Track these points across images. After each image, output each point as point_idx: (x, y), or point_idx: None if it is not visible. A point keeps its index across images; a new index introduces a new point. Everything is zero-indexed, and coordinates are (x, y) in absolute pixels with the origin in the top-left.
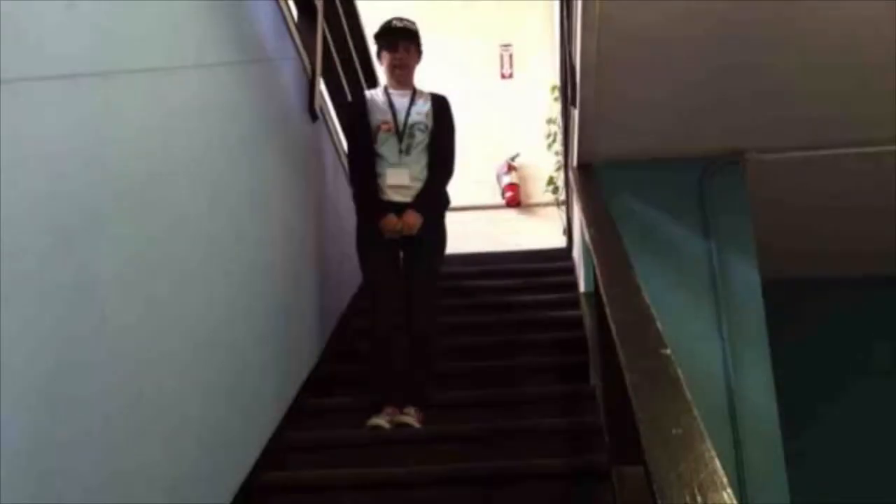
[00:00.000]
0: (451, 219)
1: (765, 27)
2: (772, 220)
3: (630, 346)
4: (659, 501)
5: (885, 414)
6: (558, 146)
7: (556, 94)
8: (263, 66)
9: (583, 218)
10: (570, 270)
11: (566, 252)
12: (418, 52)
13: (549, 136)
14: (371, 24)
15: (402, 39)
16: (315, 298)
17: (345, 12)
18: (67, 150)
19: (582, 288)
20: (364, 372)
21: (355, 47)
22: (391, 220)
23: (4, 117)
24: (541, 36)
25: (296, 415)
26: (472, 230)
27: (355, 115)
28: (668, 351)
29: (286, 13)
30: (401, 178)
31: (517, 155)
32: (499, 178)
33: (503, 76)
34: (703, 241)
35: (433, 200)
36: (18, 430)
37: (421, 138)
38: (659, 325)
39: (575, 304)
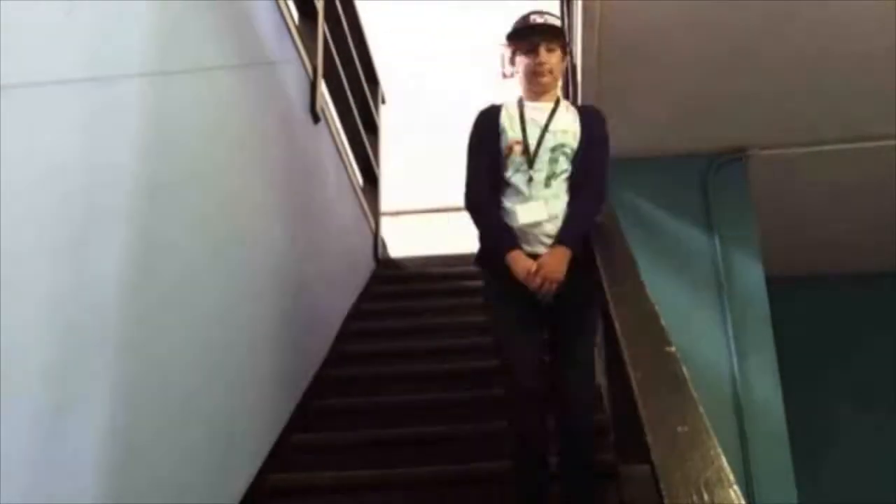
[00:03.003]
0: (454, 219)
1: (766, 25)
2: (775, 215)
3: (635, 344)
4: (665, 500)
5: (891, 408)
6: None
7: None
8: (264, 68)
9: None
10: None
11: None
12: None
13: None
14: (371, 25)
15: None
16: (318, 301)
17: (345, 13)
18: (68, 155)
19: None
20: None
21: (356, 48)
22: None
23: (5, 123)
24: None
25: (302, 416)
26: (475, 230)
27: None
28: (673, 348)
29: (287, 15)
30: (535, 215)
31: None
32: None
33: (504, 76)
34: (707, 238)
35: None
36: (20, 434)
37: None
38: (663, 322)
39: None
